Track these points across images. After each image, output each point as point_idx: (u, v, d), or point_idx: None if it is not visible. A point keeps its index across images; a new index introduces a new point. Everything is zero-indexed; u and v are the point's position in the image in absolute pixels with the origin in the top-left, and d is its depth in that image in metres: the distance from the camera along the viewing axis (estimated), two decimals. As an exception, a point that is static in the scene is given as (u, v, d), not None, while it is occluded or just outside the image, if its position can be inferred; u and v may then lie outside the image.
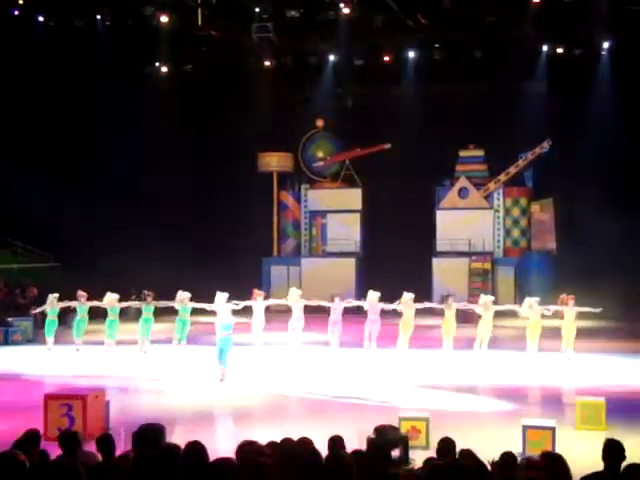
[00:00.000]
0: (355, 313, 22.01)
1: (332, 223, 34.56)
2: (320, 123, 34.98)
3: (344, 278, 32.50)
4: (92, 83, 30.27)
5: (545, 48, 30.42)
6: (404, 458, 8.00)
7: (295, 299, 20.75)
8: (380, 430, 8.01)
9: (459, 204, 32.96)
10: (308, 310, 21.15)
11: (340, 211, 34.37)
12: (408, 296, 19.80)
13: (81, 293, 20.87)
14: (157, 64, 33.02)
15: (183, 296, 20.60)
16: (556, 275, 29.72)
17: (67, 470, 4.85)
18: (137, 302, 21.65)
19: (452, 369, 17.88)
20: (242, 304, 19.40)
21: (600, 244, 27.43)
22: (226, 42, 30.23)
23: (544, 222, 32.47)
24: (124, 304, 21.20)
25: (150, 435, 6.71)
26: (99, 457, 6.81)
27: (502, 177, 32.50)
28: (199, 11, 27.99)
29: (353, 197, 34.38)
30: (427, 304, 20.67)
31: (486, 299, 19.77)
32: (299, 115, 33.74)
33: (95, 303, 20.95)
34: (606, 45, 29.66)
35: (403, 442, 8.50)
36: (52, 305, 20.79)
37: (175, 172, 31.62)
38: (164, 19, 28.14)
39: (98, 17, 29.21)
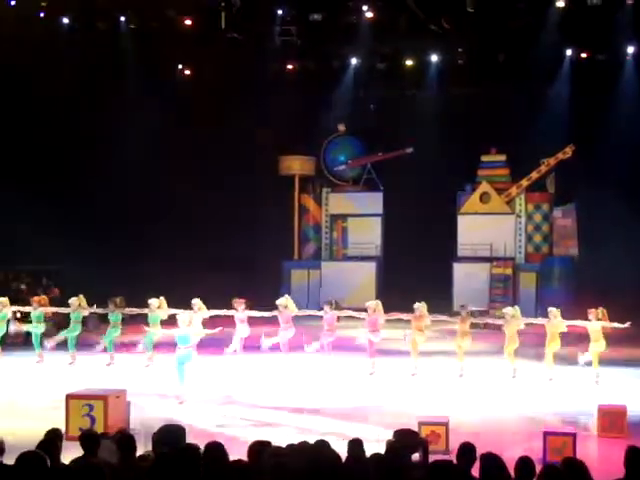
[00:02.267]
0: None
1: (353, 227, 34.52)
2: (342, 127, 34.96)
3: (364, 282, 32.50)
4: (114, 86, 30.36)
5: (569, 52, 30.29)
6: (424, 462, 7.96)
7: (284, 308, 19.02)
8: (400, 434, 7.98)
9: (481, 209, 32.82)
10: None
11: (361, 215, 34.32)
12: (421, 305, 18.70)
13: (36, 299, 20.32)
14: (180, 67, 33.20)
15: (154, 303, 19.27)
16: (578, 281, 29.56)
17: (89, 470, 4.88)
18: (101, 309, 20.36)
19: (469, 378, 17.65)
20: (207, 314, 18.64)
21: (622, 249, 27.23)
22: (249, 45, 30.28)
23: (566, 227, 32.27)
24: (90, 310, 20.10)
25: (170, 436, 6.75)
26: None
27: (524, 182, 32.33)
28: (222, 14, 28.07)
29: (374, 201, 34.32)
30: (439, 316, 19.27)
31: (507, 312, 18.43)
32: (321, 118, 33.72)
33: (51, 309, 20.44)
34: (631, 50, 29.44)
35: (423, 446, 8.45)
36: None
37: (196, 175, 31.71)
38: (188, 22, 28.30)
39: (122, 19, 29.39)
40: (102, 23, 29.13)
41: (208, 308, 18.91)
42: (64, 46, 28.72)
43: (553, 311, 17.81)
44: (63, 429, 8.94)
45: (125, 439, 6.93)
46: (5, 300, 19.49)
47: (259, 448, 6.37)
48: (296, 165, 35.04)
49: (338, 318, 19.46)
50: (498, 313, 18.94)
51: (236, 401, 15.19)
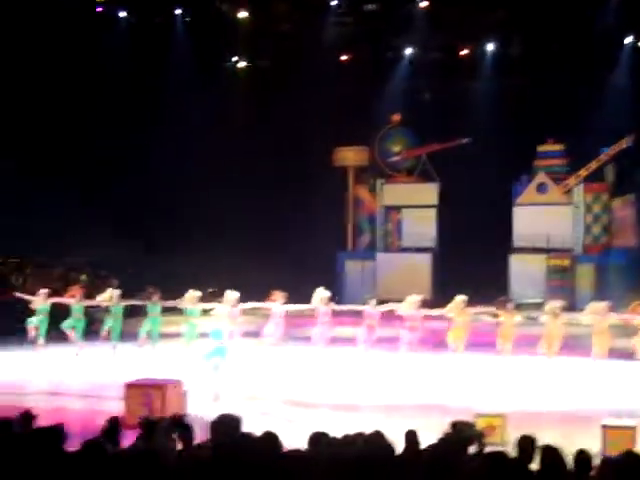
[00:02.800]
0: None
1: (408, 218, 34.40)
2: (396, 117, 34.85)
3: (419, 274, 32.41)
4: (169, 79, 30.63)
5: (628, 40, 29.73)
6: (480, 454, 7.92)
7: (319, 302, 18.32)
8: (456, 425, 7.94)
9: (537, 200, 32.46)
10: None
11: (416, 206, 34.20)
12: (460, 299, 17.80)
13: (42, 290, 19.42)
14: (234, 59, 33.42)
15: (192, 295, 18.85)
16: (638, 272, 29.06)
17: (148, 457, 4.96)
18: (140, 300, 20.07)
19: (516, 372, 16.97)
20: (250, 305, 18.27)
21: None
22: (303, 36, 30.33)
23: (625, 218, 31.73)
24: (126, 302, 19.76)
25: (227, 425, 6.81)
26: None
27: (582, 172, 31.89)
28: (276, 5, 28.17)
29: (429, 192, 34.18)
30: (482, 308, 18.50)
31: (552, 305, 17.51)
32: (375, 109, 33.63)
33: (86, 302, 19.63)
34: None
35: (479, 438, 8.41)
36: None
37: (250, 167, 31.91)
38: (242, 14, 28.47)
39: (178, 12, 29.68)
40: (158, 16, 29.47)
41: (261, 301, 18.62)
42: (119, 41, 29.14)
43: (600, 306, 17.01)
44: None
45: (183, 428, 7.02)
46: (46, 292, 19.29)
47: (317, 438, 6.40)
48: (350, 156, 35.04)
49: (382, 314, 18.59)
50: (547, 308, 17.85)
51: (275, 397, 14.84)
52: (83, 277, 28.69)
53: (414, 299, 18.06)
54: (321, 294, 18.33)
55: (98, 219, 27.85)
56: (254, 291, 18.92)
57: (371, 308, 18.42)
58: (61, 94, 28.56)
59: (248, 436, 6.04)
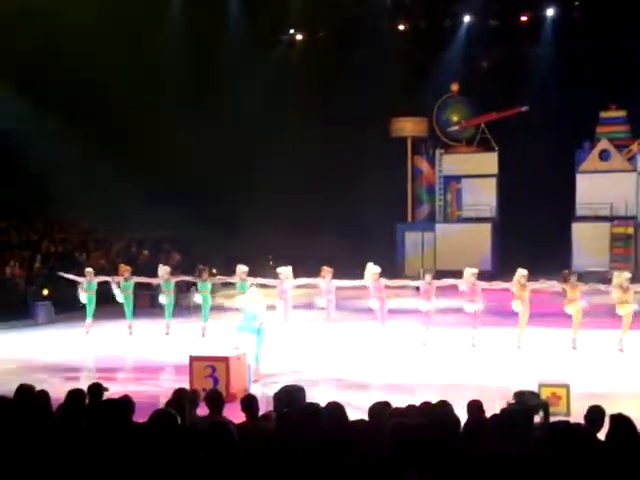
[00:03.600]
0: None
1: (467, 188, 34.08)
2: (455, 87, 34.45)
3: (479, 244, 32.16)
4: (225, 52, 30.63)
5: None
6: (545, 424, 7.88)
7: (370, 277, 17.55)
8: (520, 395, 7.91)
9: (600, 167, 31.88)
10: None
11: (476, 176, 33.84)
12: (520, 273, 16.87)
13: (125, 267, 19.71)
14: (292, 31, 33.36)
15: (241, 270, 18.44)
16: None
17: (218, 428, 5.03)
18: (191, 277, 19.91)
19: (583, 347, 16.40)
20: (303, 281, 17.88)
21: None
22: (360, 6, 30.11)
23: (691, 184, 31.04)
24: (177, 278, 19.75)
25: (291, 396, 6.88)
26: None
27: (646, 138, 31.24)
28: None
29: (489, 161, 33.79)
30: (542, 283, 17.49)
31: (620, 277, 16.22)
32: (433, 79, 33.28)
33: (141, 279, 19.61)
34: None
35: (544, 408, 8.35)
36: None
37: (307, 140, 31.91)
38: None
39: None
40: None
41: (316, 275, 18.06)
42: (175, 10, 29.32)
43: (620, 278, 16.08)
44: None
45: (248, 399, 7.12)
46: (91, 270, 19.37)
47: (380, 408, 6.42)
48: (409, 127, 34.79)
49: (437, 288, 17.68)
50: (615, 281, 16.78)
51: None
52: (145, 252, 29.09)
53: (470, 272, 17.25)
54: (372, 269, 17.59)
55: (161, 197, 28.10)
56: (315, 264, 18.88)
57: (425, 284, 17.61)
58: (119, 73, 28.73)
59: (312, 406, 6.08)
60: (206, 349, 14.49)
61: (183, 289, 22.73)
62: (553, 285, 17.30)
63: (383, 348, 16.72)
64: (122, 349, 17.73)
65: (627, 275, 16.33)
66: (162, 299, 19.22)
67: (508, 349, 16.48)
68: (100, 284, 19.24)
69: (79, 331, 19.00)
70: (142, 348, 17.64)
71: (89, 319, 18.92)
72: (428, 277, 17.64)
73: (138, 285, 19.97)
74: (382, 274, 17.70)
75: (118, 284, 19.15)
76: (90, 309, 18.92)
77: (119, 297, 19.22)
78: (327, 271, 17.81)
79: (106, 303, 19.98)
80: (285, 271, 17.64)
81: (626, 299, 15.91)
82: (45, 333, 20.11)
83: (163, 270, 19.28)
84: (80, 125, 27.50)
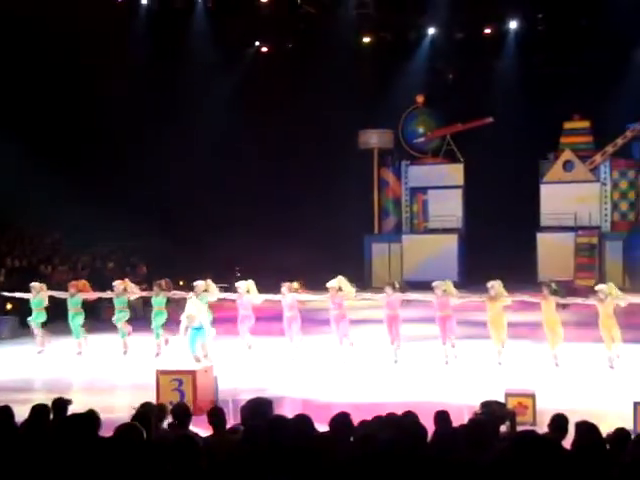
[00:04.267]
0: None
1: (433, 199, 34.24)
2: (420, 98, 34.64)
3: (446, 255, 32.30)
4: (190, 65, 30.59)
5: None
6: (511, 433, 7.93)
7: (330, 291, 16.60)
8: (487, 405, 7.96)
9: (564, 177, 32.21)
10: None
11: (442, 187, 34.02)
12: (496, 284, 15.95)
13: (72, 283, 18.50)
14: (257, 44, 33.41)
15: (199, 286, 17.18)
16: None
17: (184, 441, 5.01)
18: (146, 293, 19.10)
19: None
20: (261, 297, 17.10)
21: None
22: (325, 19, 30.24)
23: (654, 194, 31.46)
24: (131, 294, 18.55)
25: (259, 409, 6.87)
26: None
27: (609, 149, 31.61)
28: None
29: (455, 173, 33.98)
30: (520, 296, 16.67)
31: (601, 289, 15.45)
32: (399, 91, 33.46)
33: (92, 294, 18.59)
34: None
35: (510, 418, 8.41)
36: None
37: (274, 151, 31.95)
38: (264, -1, 28.50)
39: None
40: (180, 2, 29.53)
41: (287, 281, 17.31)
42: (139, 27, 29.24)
43: (603, 288, 15.48)
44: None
45: (215, 412, 7.08)
46: (39, 285, 18.45)
47: (343, 420, 6.42)
48: (374, 139, 34.88)
49: (402, 302, 16.97)
50: (584, 283, 16.24)
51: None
52: (110, 265, 28.86)
53: (437, 285, 16.35)
54: (330, 283, 16.62)
55: (127, 210, 27.96)
56: (281, 275, 18.77)
57: (387, 296, 16.62)
58: (79, 85, 28.60)
59: (280, 419, 6.07)
60: (157, 365, 14.03)
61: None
62: (525, 299, 16.54)
63: (345, 365, 16.02)
64: (80, 367, 16.94)
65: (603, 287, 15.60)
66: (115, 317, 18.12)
67: (480, 361, 16.03)
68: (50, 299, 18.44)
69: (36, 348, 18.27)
70: (101, 365, 16.92)
71: (78, 339, 18.06)
72: (389, 290, 16.65)
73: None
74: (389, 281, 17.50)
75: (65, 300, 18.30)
76: (76, 327, 18.06)
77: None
78: (287, 286, 17.03)
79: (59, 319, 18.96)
80: (244, 285, 17.02)
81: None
82: (6, 349, 19.67)
83: (122, 285, 18.33)
84: (40, 140, 27.39)
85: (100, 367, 16.71)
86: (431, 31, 32.16)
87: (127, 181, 29.41)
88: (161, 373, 12.38)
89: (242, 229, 30.20)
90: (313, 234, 31.02)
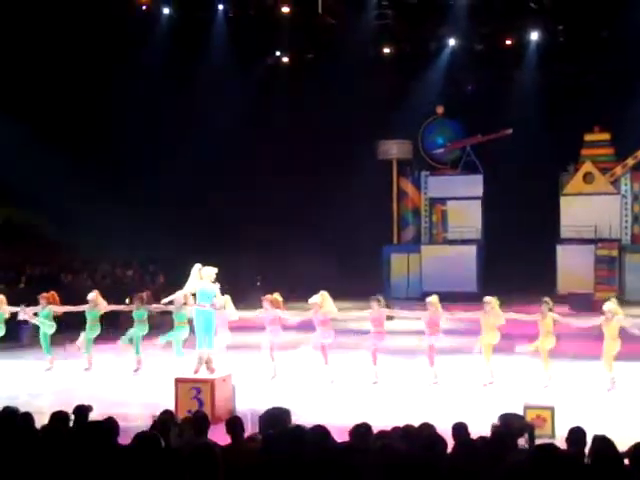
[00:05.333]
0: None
1: (453, 210, 34.19)
2: (440, 109, 34.65)
3: (465, 266, 32.24)
4: (208, 73, 30.71)
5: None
6: (530, 446, 7.89)
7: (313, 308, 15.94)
8: (505, 418, 7.92)
9: (585, 189, 32.09)
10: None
11: (461, 198, 33.96)
12: (492, 300, 15.39)
13: (43, 295, 17.55)
14: (278, 53, 33.53)
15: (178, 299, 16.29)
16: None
17: (202, 450, 5.02)
18: (125, 306, 18.24)
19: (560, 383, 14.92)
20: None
21: None
22: (345, 30, 30.29)
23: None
24: (110, 307, 17.72)
25: (276, 418, 6.88)
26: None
27: (630, 161, 31.46)
28: (319, 0, 28.18)
29: (474, 184, 33.90)
30: (513, 315, 15.84)
31: (609, 309, 14.53)
32: (419, 102, 33.47)
33: (61, 308, 17.51)
34: None
35: (529, 430, 8.37)
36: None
37: (293, 163, 32.00)
38: (285, 9, 28.54)
39: (220, 8, 29.91)
40: (201, 12, 29.68)
41: (305, 295, 16.75)
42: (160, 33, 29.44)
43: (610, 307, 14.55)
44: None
45: (234, 421, 7.10)
46: (2, 298, 17.44)
47: (362, 431, 6.42)
48: (394, 149, 34.89)
49: (388, 317, 16.44)
50: (603, 295, 15.15)
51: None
52: (129, 273, 29.00)
53: (431, 299, 15.66)
54: (312, 299, 15.98)
55: (146, 218, 28.10)
56: (301, 286, 18.53)
57: (372, 312, 15.85)
58: (99, 94, 28.77)
59: (298, 428, 6.08)
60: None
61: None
62: (523, 317, 15.84)
63: (338, 386, 15.18)
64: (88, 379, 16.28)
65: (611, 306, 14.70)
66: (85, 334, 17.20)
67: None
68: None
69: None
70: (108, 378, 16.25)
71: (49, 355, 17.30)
72: (375, 305, 15.75)
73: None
74: (367, 295, 16.36)
75: (35, 314, 17.43)
76: (45, 343, 17.32)
77: (45, 327, 17.39)
78: (268, 300, 16.21)
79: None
80: (221, 301, 15.40)
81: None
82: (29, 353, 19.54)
83: (94, 298, 17.39)
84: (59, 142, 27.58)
85: (107, 380, 16.12)
86: (451, 42, 32.14)
87: (144, 191, 29.56)
88: (179, 381, 12.41)
89: (261, 240, 30.28)
90: (332, 244, 31.04)
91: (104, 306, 17.60)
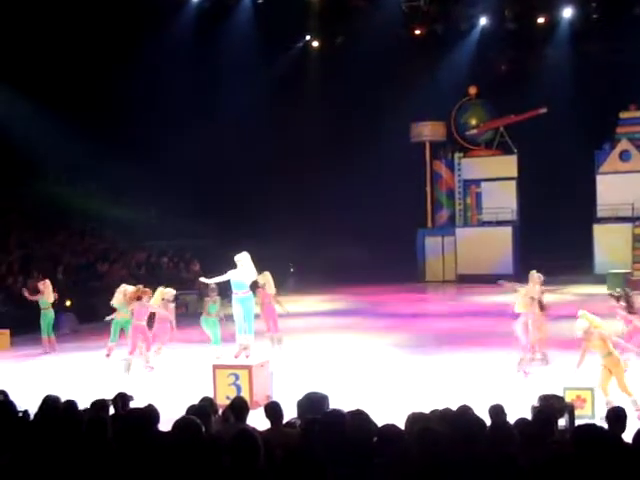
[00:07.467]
0: None
1: (487, 191, 33.93)
2: (473, 90, 34.36)
3: (500, 248, 32.01)
4: (234, 59, 30.61)
5: None
6: (570, 427, 7.85)
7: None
8: (545, 399, 7.88)
9: (621, 168, 31.68)
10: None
11: (495, 179, 33.68)
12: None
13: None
14: (308, 38, 33.45)
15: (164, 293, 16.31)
16: None
17: (243, 436, 5.05)
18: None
19: None
20: None
21: None
22: (375, 12, 30.13)
23: None
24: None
25: (315, 403, 6.89)
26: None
27: (667, 138, 31.04)
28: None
29: (508, 164, 33.62)
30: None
31: (581, 326, 11.80)
32: (451, 82, 33.20)
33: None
34: None
35: (569, 411, 8.33)
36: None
37: (326, 145, 31.94)
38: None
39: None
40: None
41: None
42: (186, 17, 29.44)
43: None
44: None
45: (272, 406, 7.13)
46: (47, 283, 18.49)
47: (419, 419, 6.40)
48: (427, 131, 34.67)
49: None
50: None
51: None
52: (164, 260, 29.18)
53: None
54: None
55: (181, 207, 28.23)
56: (333, 271, 18.68)
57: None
58: (128, 82, 28.81)
59: (337, 412, 6.08)
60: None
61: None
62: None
63: (374, 370, 15.01)
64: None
65: None
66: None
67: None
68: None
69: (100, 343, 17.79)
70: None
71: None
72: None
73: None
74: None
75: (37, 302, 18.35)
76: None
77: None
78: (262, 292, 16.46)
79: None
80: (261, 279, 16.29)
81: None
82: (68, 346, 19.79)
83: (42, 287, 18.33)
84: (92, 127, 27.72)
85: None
86: (483, 21, 31.85)
87: (180, 181, 29.68)
88: (217, 368, 12.48)
89: (294, 226, 30.29)
90: (366, 228, 30.99)
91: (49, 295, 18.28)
